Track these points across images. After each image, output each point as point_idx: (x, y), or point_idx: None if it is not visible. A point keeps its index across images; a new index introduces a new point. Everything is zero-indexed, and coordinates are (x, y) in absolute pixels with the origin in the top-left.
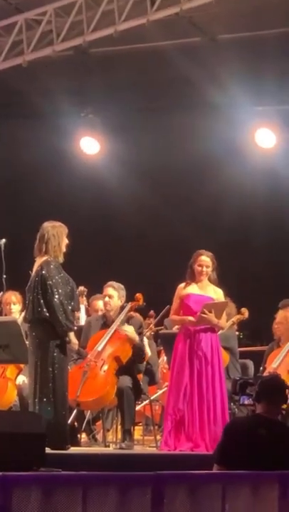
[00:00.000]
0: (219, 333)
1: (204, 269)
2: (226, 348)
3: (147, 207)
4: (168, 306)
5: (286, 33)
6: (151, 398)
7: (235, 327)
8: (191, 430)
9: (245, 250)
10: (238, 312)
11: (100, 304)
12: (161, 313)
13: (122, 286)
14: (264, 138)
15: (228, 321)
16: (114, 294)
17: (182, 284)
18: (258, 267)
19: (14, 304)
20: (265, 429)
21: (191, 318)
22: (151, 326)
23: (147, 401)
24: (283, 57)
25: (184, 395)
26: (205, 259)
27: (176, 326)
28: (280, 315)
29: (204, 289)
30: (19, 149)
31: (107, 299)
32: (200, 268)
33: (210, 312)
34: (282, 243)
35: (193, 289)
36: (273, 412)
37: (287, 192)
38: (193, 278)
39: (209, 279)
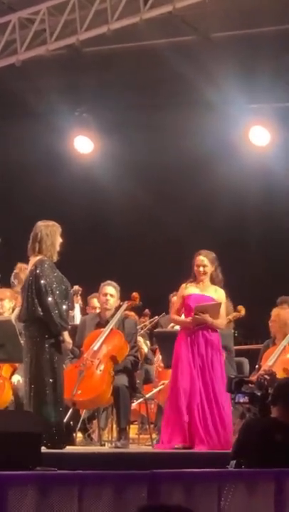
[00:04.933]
0: None
1: (201, 269)
2: (222, 347)
3: (141, 205)
4: (163, 313)
5: (279, 31)
6: (147, 396)
7: (232, 325)
8: (193, 430)
9: (240, 248)
10: (235, 310)
11: (95, 301)
12: (155, 317)
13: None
14: (258, 136)
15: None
16: (114, 294)
17: (184, 284)
18: (251, 265)
19: (3, 300)
20: (281, 434)
21: (189, 319)
22: (146, 323)
23: (141, 399)
24: (277, 55)
25: (184, 394)
26: (201, 259)
27: (171, 325)
28: (274, 312)
29: (205, 289)
30: (13, 148)
31: (108, 297)
32: (196, 268)
33: (203, 313)
34: (276, 241)
35: (193, 289)
36: None
37: (281, 189)
38: (195, 277)
39: (212, 279)
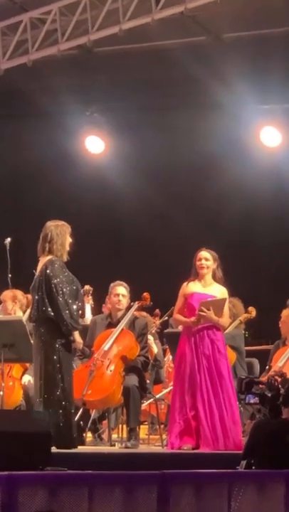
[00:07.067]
0: (226, 332)
1: (203, 262)
2: (232, 347)
3: (152, 206)
4: (172, 307)
5: None
6: (157, 397)
7: (243, 326)
8: (204, 429)
9: (251, 249)
10: (246, 311)
11: None
12: (165, 316)
13: None
14: (269, 136)
15: (235, 321)
16: (126, 294)
17: (186, 282)
18: (262, 266)
19: (6, 302)
20: None
21: (193, 319)
22: (156, 323)
23: (151, 400)
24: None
25: (187, 396)
26: (203, 254)
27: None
28: (284, 313)
29: (208, 288)
30: (24, 148)
31: (121, 297)
32: (199, 262)
33: (208, 310)
34: (287, 242)
35: (196, 287)
36: None
37: None
38: (196, 275)
39: (214, 278)
